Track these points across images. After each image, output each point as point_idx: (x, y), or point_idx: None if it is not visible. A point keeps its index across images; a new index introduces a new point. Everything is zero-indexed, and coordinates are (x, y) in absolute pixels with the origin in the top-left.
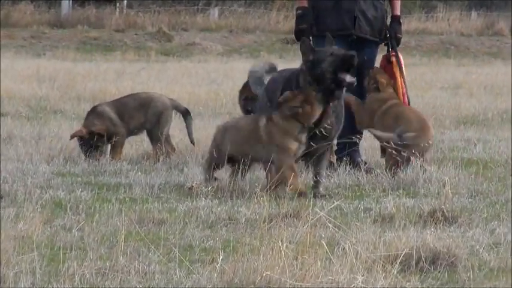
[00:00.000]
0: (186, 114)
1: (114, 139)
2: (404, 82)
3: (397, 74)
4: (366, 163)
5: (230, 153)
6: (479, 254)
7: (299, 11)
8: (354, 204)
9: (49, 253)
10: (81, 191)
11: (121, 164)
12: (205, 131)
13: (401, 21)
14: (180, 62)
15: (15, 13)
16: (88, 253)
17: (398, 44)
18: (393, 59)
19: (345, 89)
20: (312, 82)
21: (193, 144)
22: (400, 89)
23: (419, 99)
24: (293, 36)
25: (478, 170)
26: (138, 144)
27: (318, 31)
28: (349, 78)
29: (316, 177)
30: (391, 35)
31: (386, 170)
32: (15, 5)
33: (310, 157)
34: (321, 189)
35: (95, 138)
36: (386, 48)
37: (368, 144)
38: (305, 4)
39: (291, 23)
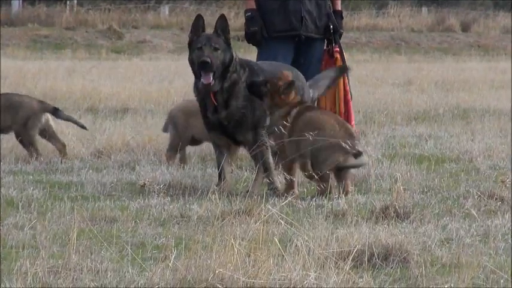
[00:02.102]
0: (55, 111)
1: None
2: (348, 77)
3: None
4: None
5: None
6: (431, 250)
7: (248, 13)
8: (306, 201)
9: (1, 252)
10: (33, 189)
11: (72, 163)
12: (157, 128)
13: (342, 15)
14: (131, 60)
15: None
16: (40, 251)
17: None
18: (337, 55)
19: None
20: None
21: (86, 128)
22: (342, 87)
23: (371, 95)
24: (243, 34)
25: (430, 166)
26: (89, 142)
27: (268, 33)
28: (204, 79)
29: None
30: (334, 31)
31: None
32: None
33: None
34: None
35: None
36: (326, 43)
37: None
38: (253, 6)
39: (242, 20)
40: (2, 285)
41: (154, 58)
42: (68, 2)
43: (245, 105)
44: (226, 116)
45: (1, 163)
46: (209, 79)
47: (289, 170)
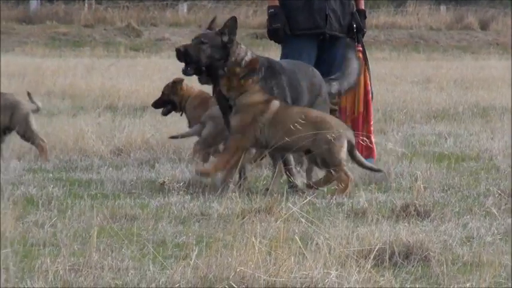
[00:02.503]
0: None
1: None
2: (369, 77)
3: (362, 69)
4: None
5: None
6: (452, 249)
7: (271, 10)
8: (326, 199)
9: (22, 250)
10: (53, 187)
11: (92, 160)
12: (176, 126)
13: (366, 15)
14: (150, 58)
15: None
16: (61, 249)
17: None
18: (360, 54)
19: None
20: None
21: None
22: (363, 86)
23: (390, 93)
24: (262, 30)
25: (450, 164)
26: (109, 140)
27: (291, 30)
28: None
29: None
30: (357, 30)
31: None
32: None
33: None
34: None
35: None
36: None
37: None
38: (276, 3)
39: (261, 18)
40: (23, 284)
41: (172, 56)
42: (86, 0)
43: None
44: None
45: (18, 160)
46: (185, 69)
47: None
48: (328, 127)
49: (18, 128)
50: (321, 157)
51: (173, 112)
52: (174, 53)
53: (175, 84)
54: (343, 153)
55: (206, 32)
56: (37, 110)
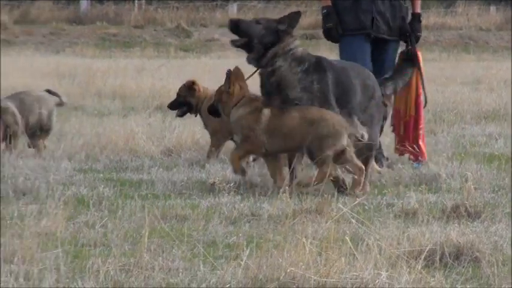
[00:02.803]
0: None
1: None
2: (422, 81)
3: (414, 72)
4: (387, 159)
5: None
6: (503, 249)
7: (324, 10)
8: (376, 200)
9: (73, 250)
10: (104, 188)
11: (143, 161)
12: None
13: (421, 19)
14: (200, 58)
15: (34, 10)
16: (112, 250)
17: (416, 42)
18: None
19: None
20: None
21: None
22: (414, 90)
23: (440, 94)
24: (312, 31)
25: (500, 165)
26: (159, 141)
27: (342, 30)
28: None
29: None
30: (410, 33)
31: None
32: (34, 2)
33: None
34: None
35: None
36: (406, 45)
37: (390, 139)
38: (329, 3)
39: (310, 19)
40: (74, 284)
41: (222, 56)
42: (136, 1)
43: (300, 97)
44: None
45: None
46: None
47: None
48: (327, 125)
49: (40, 122)
50: (308, 149)
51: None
52: (228, 26)
53: (191, 86)
54: (331, 151)
55: (268, 17)
56: (61, 104)
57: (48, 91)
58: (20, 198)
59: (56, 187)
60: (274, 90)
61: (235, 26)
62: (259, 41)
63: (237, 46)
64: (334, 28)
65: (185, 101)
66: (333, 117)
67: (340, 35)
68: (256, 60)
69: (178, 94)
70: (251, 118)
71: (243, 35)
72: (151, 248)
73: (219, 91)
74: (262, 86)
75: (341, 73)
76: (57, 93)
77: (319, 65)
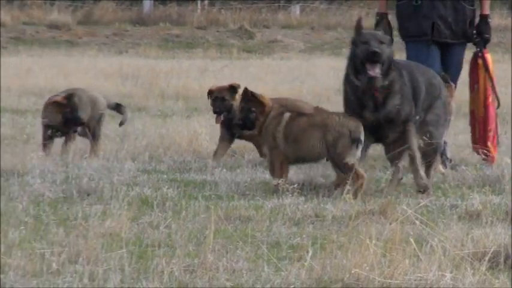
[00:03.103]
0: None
1: None
2: (492, 83)
3: (481, 76)
4: (451, 160)
5: None
6: None
7: (376, 17)
8: (440, 202)
9: (137, 250)
10: (167, 188)
11: (206, 162)
12: None
13: (489, 20)
14: (262, 59)
15: (98, 11)
16: (176, 250)
17: (485, 44)
18: (479, 60)
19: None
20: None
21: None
22: (482, 92)
23: (503, 95)
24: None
25: None
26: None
27: (402, 36)
28: (371, 71)
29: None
30: (478, 35)
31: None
32: (97, 3)
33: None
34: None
35: None
36: (476, 47)
37: (452, 141)
38: (383, 10)
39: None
40: (139, 284)
41: (285, 58)
42: (199, 2)
43: (400, 103)
44: (385, 114)
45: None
46: (376, 71)
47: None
48: (329, 129)
49: (90, 123)
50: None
51: None
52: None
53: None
54: (349, 154)
55: (375, 32)
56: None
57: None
58: (84, 198)
59: (120, 188)
60: (381, 107)
61: (379, 56)
62: (388, 60)
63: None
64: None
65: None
66: (333, 118)
67: (404, 40)
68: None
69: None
70: (274, 122)
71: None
72: (216, 249)
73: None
74: (364, 108)
75: (409, 71)
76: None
77: (396, 66)
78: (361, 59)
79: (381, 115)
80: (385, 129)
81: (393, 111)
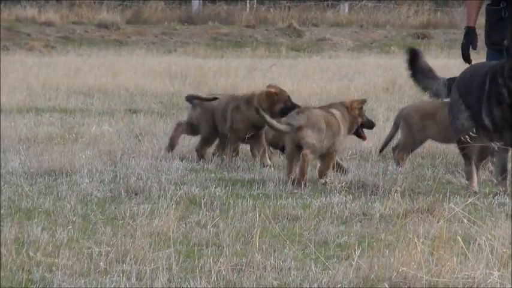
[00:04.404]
0: None
1: None
2: None
3: None
4: None
5: None
6: None
7: (465, 30)
8: (488, 200)
9: (184, 249)
10: (215, 187)
11: (253, 160)
12: None
13: None
14: (311, 58)
15: (147, 10)
16: (223, 249)
17: None
18: None
19: None
20: None
21: None
22: None
23: None
24: (423, 30)
25: None
26: None
27: (488, 44)
28: None
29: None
30: None
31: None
32: (146, 2)
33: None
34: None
35: None
36: None
37: None
38: (471, 24)
39: (421, 18)
40: (186, 283)
41: (334, 56)
42: (248, 1)
43: None
44: None
45: (180, 160)
46: None
47: None
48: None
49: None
50: None
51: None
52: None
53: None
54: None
55: None
56: None
57: None
58: (132, 198)
59: (168, 187)
60: None
61: None
62: None
63: None
64: (466, 48)
65: None
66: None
67: (486, 45)
68: None
69: None
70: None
71: None
72: (263, 248)
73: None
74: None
75: None
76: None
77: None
78: None
79: None
80: None
81: None
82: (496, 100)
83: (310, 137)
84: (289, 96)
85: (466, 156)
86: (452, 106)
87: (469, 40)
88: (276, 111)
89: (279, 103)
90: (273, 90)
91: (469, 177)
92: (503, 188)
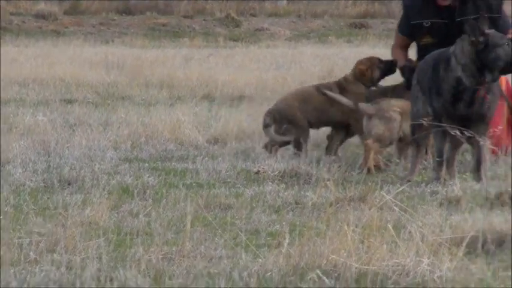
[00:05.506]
0: None
1: None
2: None
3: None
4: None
5: None
6: None
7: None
8: (420, 188)
9: (116, 239)
10: (148, 177)
11: (188, 150)
12: None
13: None
14: (248, 48)
15: (84, 1)
16: (154, 238)
17: None
18: None
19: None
20: (472, 63)
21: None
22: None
23: None
24: (362, 20)
25: None
26: (205, 130)
27: None
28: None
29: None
30: None
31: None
32: None
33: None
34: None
35: None
36: None
37: None
38: (401, 64)
39: (359, 8)
40: (116, 273)
41: (271, 46)
42: None
43: (492, 100)
44: (477, 110)
45: (114, 150)
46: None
47: None
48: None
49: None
50: None
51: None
52: None
53: None
54: None
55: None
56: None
57: None
58: (65, 188)
59: (101, 176)
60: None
61: None
62: None
63: None
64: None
65: None
66: None
67: None
68: None
69: None
70: None
71: None
72: (194, 237)
73: None
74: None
75: None
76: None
77: None
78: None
79: (475, 110)
80: (474, 124)
81: (485, 107)
82: (436, 91)
83: (376, 126)
84: (379, 59)
85: (415, 143)
86: (412, 92)
87: (406, 77)
88: (376, 80)
89: (375, 72)
90: (362, 67)
91: (412, 165)
92: (437, 175)
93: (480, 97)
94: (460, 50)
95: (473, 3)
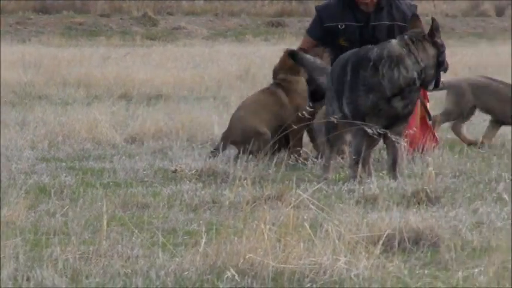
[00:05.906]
0: None
1: None
2: None
3: None
4: None
5: None
6: (462, 234)
7: None
8: (337, 186)
9: (32, 238)
10: (66, 176)
11: (105, 149)
12: (190, 115)
13: None
14: (165, 46)
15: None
16: (71, 238)
17: None
18: None
19: None
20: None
21: None
22: None
23: None
24: (278, 19)
25: (462, 150)
26: (122, 129)
27: None
28: None
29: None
30: None
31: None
32: None
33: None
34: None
35: None
36: None
37: None
38: None
39: (276, 6)
40: (33, 272)
41: (188, 45)
42: None
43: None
44: (410, 110)
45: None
46: None
47: None
48: None
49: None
50: None
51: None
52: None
53: None
54: None
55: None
56: None
57: None
58: None
59: (18, 176)
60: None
61: None
62: None
63: None
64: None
65: None
66: None
67: None
68: None
69: None
70: None
71: None
72: (111, 236)
73: None
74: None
75: None
76: None
77: None
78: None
79: (402, 105)
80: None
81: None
82: (368, 90)
83: None
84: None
85: (329, 142)
86: (326, 94)
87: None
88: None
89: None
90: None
91: (325, 164)
92: (354, 173)
93: (421, 97)
94: (421, 51)
95: (388, 10)
